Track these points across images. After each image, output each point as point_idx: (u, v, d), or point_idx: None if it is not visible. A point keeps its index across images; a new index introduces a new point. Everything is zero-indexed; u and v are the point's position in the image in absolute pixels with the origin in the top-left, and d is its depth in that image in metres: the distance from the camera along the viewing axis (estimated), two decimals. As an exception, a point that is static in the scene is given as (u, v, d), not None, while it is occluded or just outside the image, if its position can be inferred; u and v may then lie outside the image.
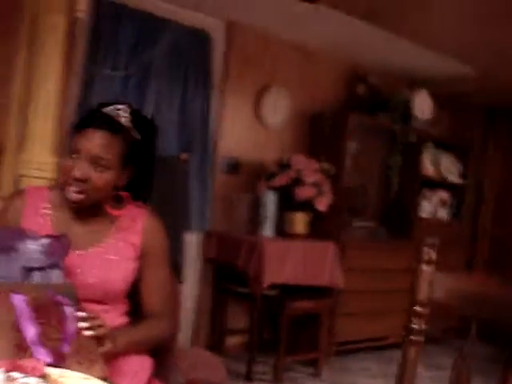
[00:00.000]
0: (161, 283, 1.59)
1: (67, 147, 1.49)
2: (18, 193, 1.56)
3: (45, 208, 1.51)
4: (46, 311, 1.11)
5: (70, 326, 1.14)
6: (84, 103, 3.38)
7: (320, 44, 4.39)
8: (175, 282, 1.87)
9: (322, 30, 4.03)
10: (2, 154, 2.80)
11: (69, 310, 1.14)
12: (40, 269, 1.28)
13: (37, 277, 1.27)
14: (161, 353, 1.63)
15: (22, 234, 1.31)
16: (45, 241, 1.30)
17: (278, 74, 4.35)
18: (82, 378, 1.01)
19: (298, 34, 4.20)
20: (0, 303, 1.09)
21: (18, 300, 1.09)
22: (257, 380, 3.68)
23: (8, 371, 0.82)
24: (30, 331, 1.04)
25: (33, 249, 1.28)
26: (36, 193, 1.54)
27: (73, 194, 1.43)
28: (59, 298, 1.13)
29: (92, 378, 1.03)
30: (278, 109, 4.32)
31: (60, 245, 1.33)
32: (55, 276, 1.30)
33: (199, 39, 3.87)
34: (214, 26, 3.97)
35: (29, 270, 1.26)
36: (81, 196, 1.43)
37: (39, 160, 2.49)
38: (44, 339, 1.07)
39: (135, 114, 1.52)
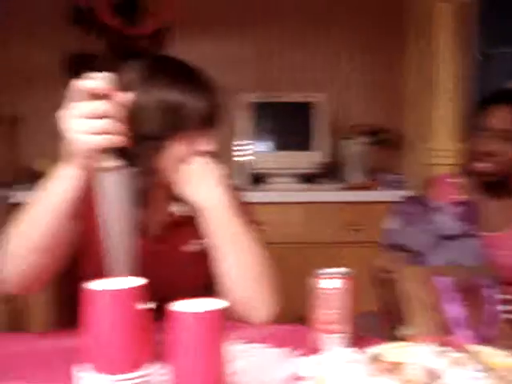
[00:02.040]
0: None
1: (470, 128, 1.55)
2: (428, 181, 1.67)
3: (456, 194, 1.58)
4: (470, 294, 1.16)
5: (493, 310, 1.16)
6: (481, 84, 3.33)
7: None
8: None
9: None
10: (406, 144, 2.98)
11: (490, 292, 1.17)
12: (454, 237, 1.34)
13: (451, 245, 1.34)
14: None
15: (433, 205, 1.39)
16: (455, 208, 1.36)
17: None
18: (504, 355, 1.02)
19: None
20: (426, 284, 1.18)
21: (442, 282, 1.17)
22: None
23: (436, 345, 0.89)
24: (454, 313, 1.11)
25: (445, 217, 1.35)
26: (445, 180, 1.62)
27: (480, 166, 1.48)
28: (481, 280, 1.16)
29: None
30: None
31: (471, 211, 1.37)
32: (470, 245, 1.34)
33: None
34: None
35: (443, 239, 1.34)
36: (488, 165, 1.47)
37: (444, 147, 2.57)
38: (468, 321, 1.12)
39: None
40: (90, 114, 0.92)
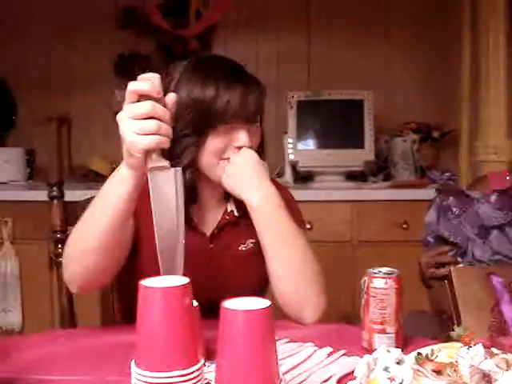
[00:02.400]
0: None
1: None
2: (480, 179, 1.64)
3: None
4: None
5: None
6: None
7: None
8: None
9: None
10: (457, 141, 2.92)
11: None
12: (498, 227, 1.31)
13: (495, 235, 1.30)
14: None
15: (474, 195, 1.35)
16: (494, 196, 1.32)
17: None
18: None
19: None
20: (480, 284, 1.16)
21: (497, 282, 1.15)
22: None
23: (486, 347, 0.88)
24: (509, 313, 1.09)
25: (486, 207, 1.31)
26: (497, 177, 1.59)
27: None
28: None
29: None
30: None
31: (510, 198, 1.33)
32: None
33: None
34: None
35: (487, 229, 1.30)
36: None
37: (495, 144, 2.51)
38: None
39: None
40: (138, 115, 0.94)
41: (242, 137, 1.22)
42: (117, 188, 1.04)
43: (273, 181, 1.35)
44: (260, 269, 1.23)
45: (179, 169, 0.96)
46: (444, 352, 0.93)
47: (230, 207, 1.30)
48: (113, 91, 3.02)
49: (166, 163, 0.96)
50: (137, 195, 1.05)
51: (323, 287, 1.21)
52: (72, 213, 1.47)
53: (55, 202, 1.47)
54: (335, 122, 2.91)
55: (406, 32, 3.17)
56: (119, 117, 0.97)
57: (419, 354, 0.90)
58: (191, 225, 1.26)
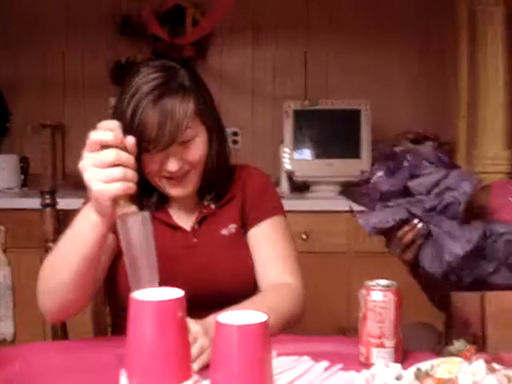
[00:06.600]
0: None
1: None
2: (484, 187, 1.63)
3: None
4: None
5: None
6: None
7: None
8: None
9: None
10: (455, 151, 2.91)
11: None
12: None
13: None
14: None
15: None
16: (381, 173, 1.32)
17: None
18: None
19: None
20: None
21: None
22: None
23: (488, 362, 0.86)
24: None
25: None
26: (502, 186, 1.58)
27: None
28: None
29: None
30: None
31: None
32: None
33: None
34: None
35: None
36: None
37: (492, 155, 2.51)
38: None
39: None
40: (103, 163, 0.94)
41: (169, 165, 1.19)
42: (88, 232, 1.04)
43: (247, 167, 1.36)
44: (246, 252, 1.27)
45: (147, 213, 0.96)
46: (443, 367, 0.91)
47: (207, 201, 1.32)
48: (108, 99, 3.00)
49: (134, 208, 0.96)
50: (107, 236, 1.07)
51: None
52: (65, 221, 1.45)
53: (48, 210, 1.45)
54: (332, 132, 2.89)
55: (403, 41, 3.16)
56: (82, 166, 0.97)
57: (419, 369, 0.88)
58: (173, 225, 1.30)
